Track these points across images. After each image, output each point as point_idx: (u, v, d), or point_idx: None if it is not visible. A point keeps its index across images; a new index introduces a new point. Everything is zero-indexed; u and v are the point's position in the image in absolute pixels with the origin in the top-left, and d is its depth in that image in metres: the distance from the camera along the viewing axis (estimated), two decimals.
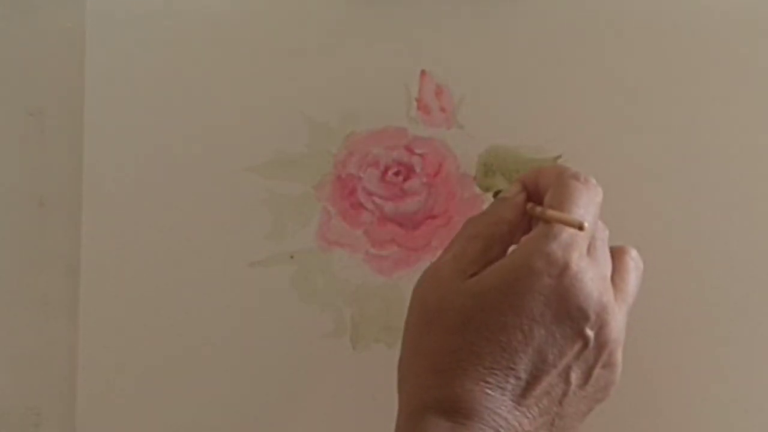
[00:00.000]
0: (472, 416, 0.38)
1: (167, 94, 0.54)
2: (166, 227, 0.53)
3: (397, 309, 0.52)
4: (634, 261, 0.44)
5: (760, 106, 0.52)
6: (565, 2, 0.53)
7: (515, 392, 0.38)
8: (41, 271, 0.54)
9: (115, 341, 0.53)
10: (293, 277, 0.53)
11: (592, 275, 0.39)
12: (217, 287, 0.53)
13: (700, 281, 0.52)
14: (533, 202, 0.44)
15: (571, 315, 0.39)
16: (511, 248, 0.43)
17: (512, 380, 0.38)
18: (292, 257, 0.53)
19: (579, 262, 0.39)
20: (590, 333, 0.39)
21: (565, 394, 0.40)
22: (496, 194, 0.51)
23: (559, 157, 0.52)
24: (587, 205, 0.41)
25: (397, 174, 0.53)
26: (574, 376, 0.40)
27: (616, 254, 0.43)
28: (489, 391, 0.38)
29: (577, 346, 0.39)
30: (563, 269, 0.38)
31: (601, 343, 0.40)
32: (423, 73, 0.53)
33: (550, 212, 0.40)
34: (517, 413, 0.38)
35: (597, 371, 0.41)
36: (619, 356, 0.42)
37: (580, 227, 0.38)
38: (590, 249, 0.41)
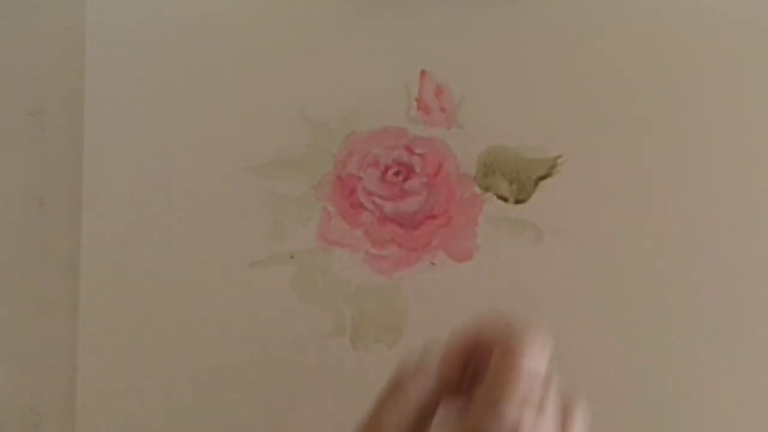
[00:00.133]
0: None
1: (167, 94, 0.54)
2: (166, 227, 0.53)
3: (397, 309, 0.52)
4: (581, 414, 0.42)
5: (760, 106, 0.52)
6: (565, 2, 0.53)
7: None
8: (41, 271, 0.55)
9: (115, 341, 0.53)
10: (293, 277, 0.53)
11: None
12: (217, 287, 0.53)
13: (700, 281, 0.52)
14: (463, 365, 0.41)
15: None
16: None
17: None
18: (292, 257, 0.53)
19: (530, 423, 0.37)
20: None
21: None
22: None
23: (559, 157, 0.52)
24: (538, 362, 0.39)
25: (397, 174, 0.53)
26: None
27: (565, 410, 0.42)
28: None
29: None
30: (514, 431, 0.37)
31: None
32: (423, 73, 0.53)
33: None
34: None
35: None
36: None
37: None
38: (540, 405, 0.39)
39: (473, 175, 0.53)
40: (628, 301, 0.52)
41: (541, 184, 0.52)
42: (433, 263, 0.52)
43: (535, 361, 0.39)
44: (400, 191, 0.53)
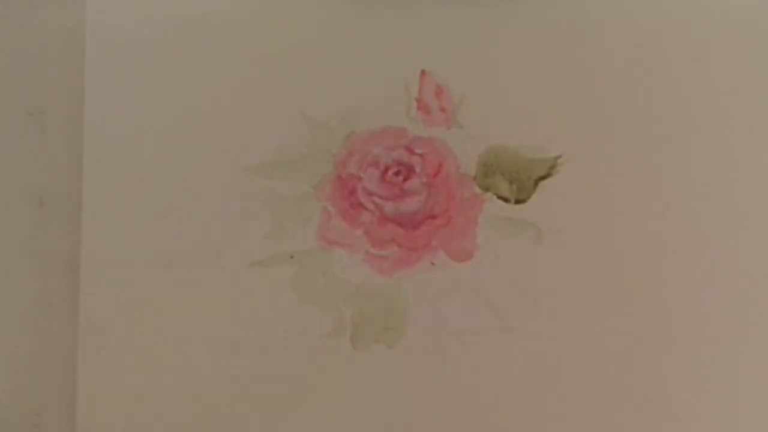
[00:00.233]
0: None
1: (167, 94, 0.54)
2: (166, 227, 0.53)
3: (397, 309, 0.52)
4: None
5: (760, 106, 0.52)
6: (565, 2, 0.53)
7: None
8: (41, 271, 0.54)
9: (115, 341, 0.53)
10: (293, 277, 0.53)
11: None
12: (217, 287, 0.53)
13: (700, 281, 0.52)
14: None
15: None
16: None
17: None
18: (292, 257, 0.53)
19: None
20: None
21: None
22: None
23: (559, 157, 0.52)
24: None
25: (397, 174, 0.53)
26: None
27: None
28: None
29: None
30: None
31: None
32: (423, 73, 0.53)
33: None
34: None
35: None
36: None
37: None
38: None
39: (473, 175, 0.53)
40: (628, 301, 0.52)
41: (541, 184, 0.52)
42: (433, 263, 0.52)
43: None
44: (400, 191, 0.53)
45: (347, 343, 0.53)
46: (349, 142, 0.53)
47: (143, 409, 0.53)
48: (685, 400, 0.51)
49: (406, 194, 0.53)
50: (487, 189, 0.53)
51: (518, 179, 0.52)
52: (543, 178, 0.52)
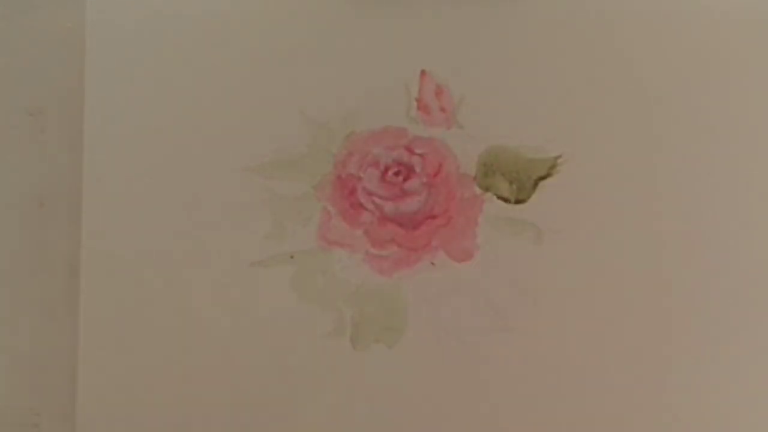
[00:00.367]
0: None
1: (167, 94, 0.54)
2: (166, 227, 0.53)
3: (397, 309, 0.52)
4: None
5: (760, 106, 0.52)
6: (565, 2, 0.53)
7: None
8: (41, 271, 0.55)
9: (115, 341, 0.53)
10: (293, 277, 0.53)
11: None
12: (217, 287, 0.53)
13: (700, 281, 0.52)
14: None
15: None
16: None
17: None
18: (292, 257, 0.53)
19: None
20: None
21: None
22: None
23: (559, 157, 0.52)
24: None
25: (397, 174, 0.53)
26: None
27: None
28: None
29: None
30: None
31: None
32: (423, 73, 0.53)
33: None
34: None
35: None
36: None
37: None
38: None
39: (473, 175, 0.53)
40: (628, 301, 0.52)
41: (541, 184, 0.52)
42: (433, 263, 0.52)
43: None
44: (400, 191, 0.53)
45: (347, 343, 0.53)
46: (349, 142, 0.53)
47: (143, 409, 0.53)
48: (686, 399, 0.51)
49: (406, 194, 0.53)
50: (487, 189, 0.53)
51: (518, 179, 0.52)
52: (543, 178, 0.52)
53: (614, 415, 0.51)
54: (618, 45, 0.53)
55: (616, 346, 0.52)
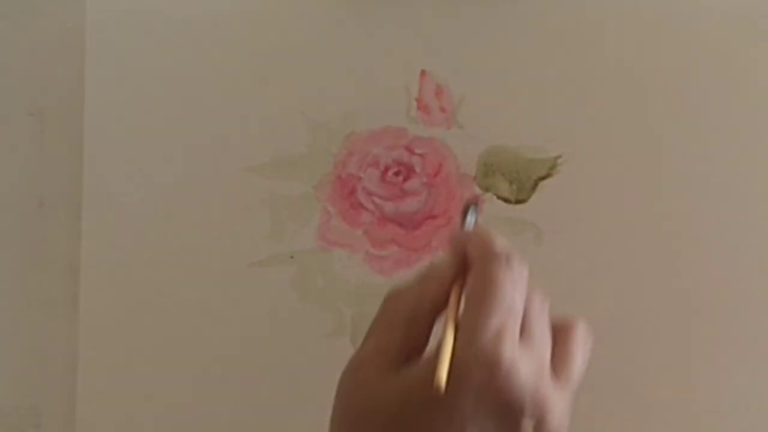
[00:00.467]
0: None
1: (167, 95, 0.54)
2: (166, 227, 0.53)
3: None
4: (580, 338, 0.40)
5: (760, 106, 0.52)
6: (565, 2, 0.53)
7: None
8: (41, 271, 0.54)
9: (115, 341, 0.53)
10: (293, 277, 0.53)
11: (526, 369, 0.35)
12: (217, 287, 0.53)
13: (701, 280, 0.52)
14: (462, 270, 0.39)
15: (506, 410, 0.35)
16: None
17: None
18: (292, 257, 0.53)
19: (511, 355, 0.35)
20: (528, 426, 0.36)
21: None
22: (465, 209, 0.44)
23: (559, 157, 0.52)
24: (512, 291, 0.37)
25: (397, 174, 0.53)
26: None
27: (561, 330, 0.40)
28: None
29: None
30: (493, 365, 0.35)
31: None
32: (423, 73, 0.53)
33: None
34: None
35: None
36: None
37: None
38: (524, 331, 0.37)
39: (473, 175, 0.53)
40: (628, 301, 0.52)
41: (541, 184, 0.52)
42: None
43: (506, 300, 0.37)
44: (400, 191, 0.53)
45: (347, 343, 0.53)
46: (349, 142, 0.53)
47: (143, 409, 0.53)
48: (686, 399, 0.51)
49: (406, 194, 0.53)
50: (487, 189, 0.53)
51: (518, 179, 0.52)
52: (543, 178, 0.52)
53: (614, 415, 0.51)
54: (618, 45, 0.53)
55: (616, 346, 0.51)
